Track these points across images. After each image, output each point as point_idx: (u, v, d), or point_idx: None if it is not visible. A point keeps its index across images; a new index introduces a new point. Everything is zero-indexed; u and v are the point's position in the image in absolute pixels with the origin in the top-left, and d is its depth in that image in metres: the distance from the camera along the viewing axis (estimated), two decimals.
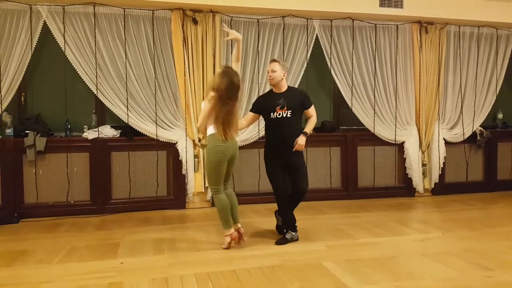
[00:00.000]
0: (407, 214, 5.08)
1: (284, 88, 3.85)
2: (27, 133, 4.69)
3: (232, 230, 3.67)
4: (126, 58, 4.93)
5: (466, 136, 5.98)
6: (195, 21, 4.98)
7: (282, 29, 5.34)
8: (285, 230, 3.89)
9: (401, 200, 5.68)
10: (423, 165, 5.84)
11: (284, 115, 3.74)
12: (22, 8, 4.63)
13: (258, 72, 5.30)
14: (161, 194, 5.15)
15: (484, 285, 2.91)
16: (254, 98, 5.27)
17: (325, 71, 5.62)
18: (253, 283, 2.93)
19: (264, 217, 4.57)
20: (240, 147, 5.17)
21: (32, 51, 4.69)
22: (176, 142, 5.10)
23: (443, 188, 5.96)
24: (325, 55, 5.49)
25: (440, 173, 5.90)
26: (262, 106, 3.90)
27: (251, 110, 4.02)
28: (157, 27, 5.02)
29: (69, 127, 4.96)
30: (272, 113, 3.77)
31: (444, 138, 5.89)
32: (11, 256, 3.51)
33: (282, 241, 3.80)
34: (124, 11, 4.88)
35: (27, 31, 4.65)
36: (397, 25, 5.66)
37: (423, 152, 5.84)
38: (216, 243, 3.83)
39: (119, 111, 4.95)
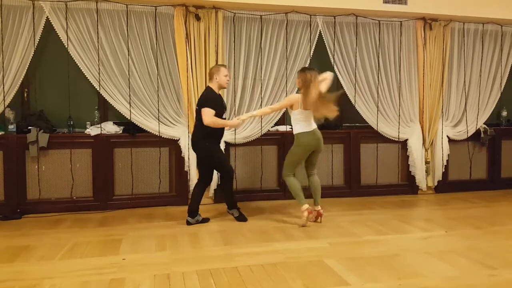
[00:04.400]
0: (410, 212, 5.07)
1: None
2: (30, 129, 4.69)
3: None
4: (128, 54, 4.92)
5: (470, 134, 5.94)
6: (197, 18, 4.96)
7: (285, 26, 5.32)
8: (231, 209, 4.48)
9: (404, 197, 5.67)
10: (427, 162, 5.81)
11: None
12: (25, 4, 4.62)
13: (261, 69, 5.28)
14: (163, 191, 5.15)
15: (487, 284, 2.90)
16: (257, 95, 5.28)
17: (328, 68, 5.54)
18: (255, 280, 2.93)
19: (266, 213, 4.56)
20: (242, 144, 5.19)
21: (35, 47, 4.69)
22: (179, 139, 5.10)
23: (447, 186, 5.94)
24: (328, 51, 5.47)
25: (444, 170, 5.88)
26: (223, 106, 4.38)
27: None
28: (159, 24, 5.00)
29: (71, 123, 4.97)
30: (224, 114, 4.35)
31: (447, 136, 5.86)
32: (14, 252, 3.52)
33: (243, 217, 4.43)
34: (127, 7, 4.87)
35: (29, 27, 4.65)
36: (401, 21, 5.62)
37: (426, 150, 5.82)
38: (218, 240, 3.83)
39: (122, 107, 4.94)
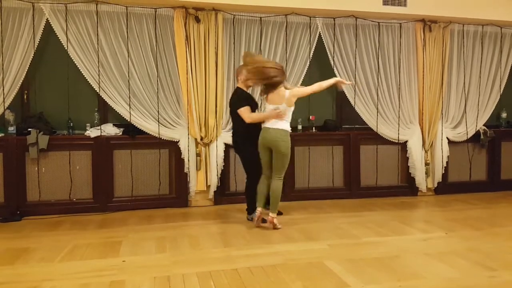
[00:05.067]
0: (410, 213, 5.06)
1: None
2: (30, 131, 4.69)
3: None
4: (128, 56, 4.93)
5: (469, 135, 5.94)
6: (197, 19, 4.97)
7: (285, 28, 5.33)
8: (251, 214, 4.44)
9: (404, 199, 5.67)
10: (426, 164, 5.82)
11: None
12: (25, 6, 4.63)
13: None
14: (163, 193, 5.15)
15: (487, 285, 2.90)
16: (255, 95, 5.26)
17: (328, 70, 5.59)
18: (255, 282, 2.93)
19: (266, 215, 4.54)
20: None
21: (35, 49, 4.69)
22: (178, 141, 5.10)
23: (446, 187, 5.94)
24: (328, 53, 5.47)
25: (443, 172, 5.88)
26: (255, 103, 4.48)
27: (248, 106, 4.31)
28: (159, 26, 5.01)
29: (71, 125, 4.97)
30: (257, 110, 4.48)
31: (447, 137, 5.86)
32: (14, 254, 3.52)
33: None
34: (127, 9, 4.88)
35: (29, 29, 4.65)
36: (400, 23, 5.63)
37: (426, 151, 5.82)
38: (218, 242, 3.83)
39: (122, 109, 4.95)
